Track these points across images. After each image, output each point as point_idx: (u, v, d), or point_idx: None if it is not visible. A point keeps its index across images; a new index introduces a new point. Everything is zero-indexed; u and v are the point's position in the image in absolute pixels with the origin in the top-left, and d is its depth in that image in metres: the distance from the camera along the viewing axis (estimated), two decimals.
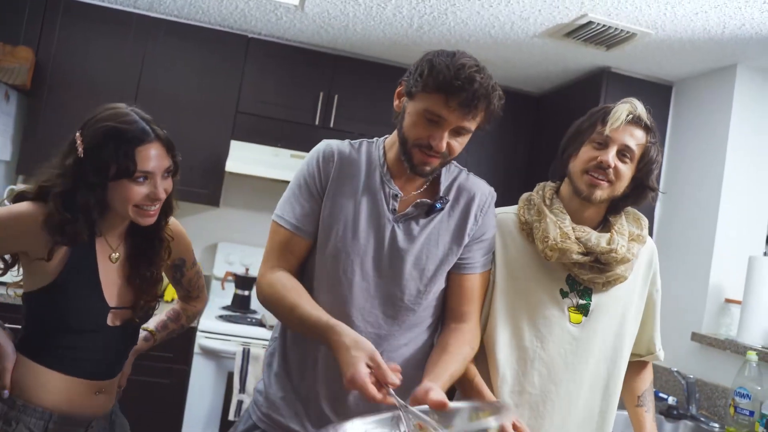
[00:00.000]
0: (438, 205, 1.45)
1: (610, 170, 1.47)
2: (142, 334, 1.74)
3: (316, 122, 3.46)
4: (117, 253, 1.53)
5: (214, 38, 3.40)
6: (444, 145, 1.35)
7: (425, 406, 1.18)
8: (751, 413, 2.15)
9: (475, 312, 1.51)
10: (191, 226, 3.70)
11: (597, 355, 1.55)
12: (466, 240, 1.48)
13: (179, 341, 2.95)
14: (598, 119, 1.51)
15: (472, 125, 1.36)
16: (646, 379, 1.75)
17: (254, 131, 3.40)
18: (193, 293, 1.85)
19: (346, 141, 1.52)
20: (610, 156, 1.46)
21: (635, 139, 1.48)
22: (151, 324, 1.79)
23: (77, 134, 1.43)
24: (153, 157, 1.43)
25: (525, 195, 1.65)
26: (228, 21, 3.35)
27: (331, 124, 3.47)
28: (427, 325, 1.51)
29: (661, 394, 2.54)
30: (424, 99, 1.34)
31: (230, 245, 3.68)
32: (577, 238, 1.48)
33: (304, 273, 1.50)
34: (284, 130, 3.45)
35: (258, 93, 3.42)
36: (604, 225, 1.57)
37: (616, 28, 2.68)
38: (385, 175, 1.46)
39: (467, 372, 1.48)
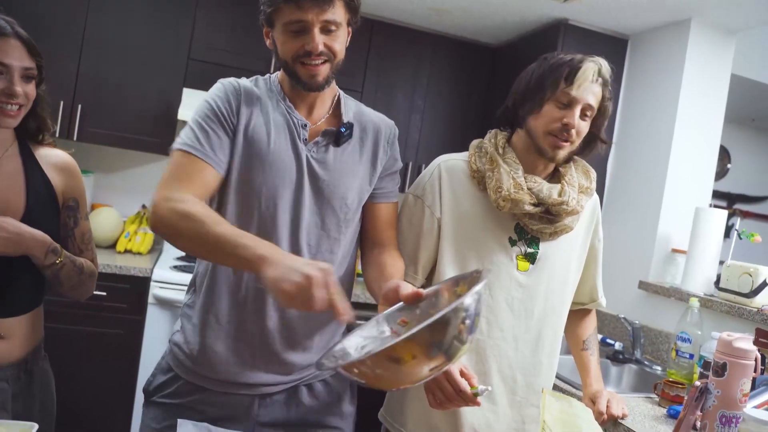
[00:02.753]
0: (343, 130, 1.45)
1: (573, 131, 1.47)
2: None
3: (271, 70, 3.37)
4: None
5: None
6: (319, 44, 1.34)
7: (400, 304, 1.18)
8: (691, 356, 2.25)
9: (393, 239, 1.55)
10: (143, 175, 3.65)
11: (543, 303, 1.59)
12: (379, 170, 1.52)
13: (132, 291, 2.93)
14: (561, 77, 1.47)
15: (336, 17, 1.35)
16: (590, 325, 1.81)
17: (207, 79, 3.22)
18: (87, 255, 1.63)
19: (243, 78, 1.49)
20: (576, 118, 1.46)
21: (596, 96, 1.49)
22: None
23: None
24: (10, 51, 1.39)
25: (476, 141, 1.64)
26: None
27: None
28: (349, 258, 1.53)
29: (608, 340, 2.63)
30: (279, 17, 1.35)
31: None
32: (529, 189, 1.50)
33: None
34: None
35: (211, 40, 3.32)
36: (553, 175, 1.59)
37: None
38: (289, 107, 1.44)
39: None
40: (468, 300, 0.97)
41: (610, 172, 3.26)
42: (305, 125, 1.43)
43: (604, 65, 1.49)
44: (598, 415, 1.64)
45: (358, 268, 1.57)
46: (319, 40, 1.34)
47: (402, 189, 3.52)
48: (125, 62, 3.20)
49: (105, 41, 3.17)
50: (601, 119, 1.53)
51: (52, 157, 1.57)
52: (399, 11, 3.48)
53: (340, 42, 1.38)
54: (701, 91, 2.95)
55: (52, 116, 1.59)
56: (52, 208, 1.53)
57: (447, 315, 0.94)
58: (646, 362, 2.58)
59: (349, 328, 1.43)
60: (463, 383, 1.24)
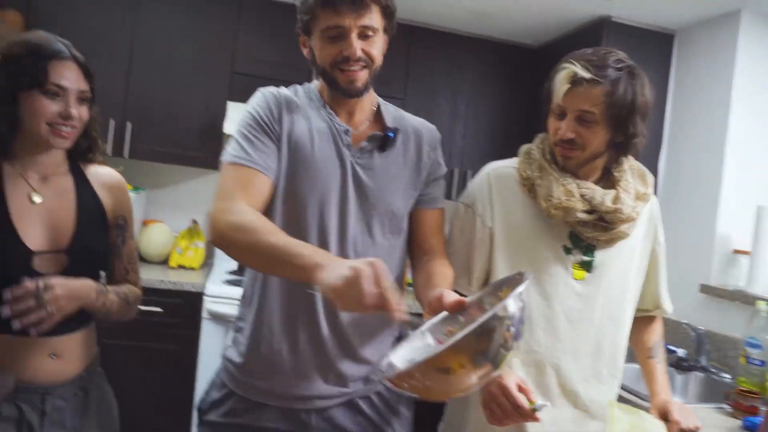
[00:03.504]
0: (391, 134, 1.45)
1: (575, 140, 1.42)
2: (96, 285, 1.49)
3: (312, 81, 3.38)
4: (39, 196, 1.46)
5: None
6: (357, 50, 1.34)
7: (444, 313, 1.16)
8: (762, 363, 2.17)
9: (441, 245, 1.52)
10: (190, 189, 3.69)
11: (601, 312, 1.55)
12: (424, 175, 1.51)
13: (186, 307, 2.96)
14: (550, 89, 1.45)
15: (373, 22, 1.35)
16: (656, 331, 1.75)
17: (251, 91, 3.25)
18: (131, 277, 1.65)
19: (282, 87, 1.50)
20: (568, 127, 1.42)
21: (590, 99, 1.39)
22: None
23: None
24: (67, 73, 1.42)
25: (524, 147, 1.60)
26: None
27: None
28: (397, 267, 1.51)
29: (670, 347, 2.56)
30: (317, 23, 1.36)
31: None
32: (581, 196, 1.46)
33: None
34: None
35: (253, 53, 3.34)
36: (607, 178, 1.54)
37: None
38: (330, 113, 1.45)
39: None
40: (510, 303, 0.95)
41: (663, 171, 3.18)
42: (347, 131, 1.43)
43: (578, 65, 1.40)
44: (671, 428, 1.59)
45: (409, 278, 1.56)
46: (357, 45, 1.34)
47: (448, 196, 3.49)
48: (171, 78, 3.25)
49: (151, 56, 3.23)
50: (619, 115, 1.40)
51: (101, 175, 1.60)
52: (436, 16, 3.45)
53: (378, 48, 1.39)
54: (756, 83, 2.85)
55: (103, 135, 1.63)
56: (101, 227, 1.55)
57: (488, 320, 0.92)
58: (712, 370, 2.50)
59: (400, 338, 1.42)
60: (521, 398, 1.22)
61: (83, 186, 1.54)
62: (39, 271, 1.40)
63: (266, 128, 1.39)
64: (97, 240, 1.53)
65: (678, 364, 2.49)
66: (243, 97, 3.27)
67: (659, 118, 3.20)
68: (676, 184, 3.09)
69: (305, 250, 1.14)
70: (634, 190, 1.52)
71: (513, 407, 1.22)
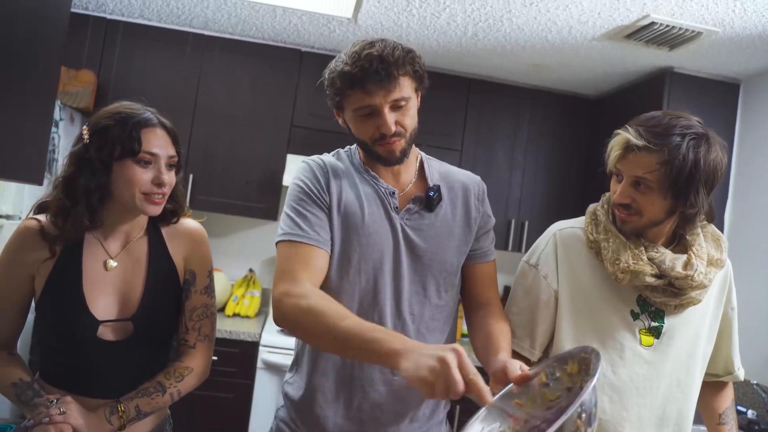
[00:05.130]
0: (432, 194, 1.44)
1: (631, 205, 1.39)
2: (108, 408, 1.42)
3: None
4: (115, 262, 1.47)
5: (268, 53, 3.43)
6: (392, 126, 1.34)
7: (510, 386, 1.14)
8: None
9: (496, 297, 1.51)
10: (250, 240, 3.77)
11: (669, 379, 1.48)
12: (474, 229, 1.49)
13: (241, 356, 2.98)
14: (609, 150, 1.44)
15: (403, 93, 1.35)
16: (727, 397, 1.66)
17: (309, 144, 3.41)
18: (191, 338, 1.56)
19: (324, 154, 1.52)
20: (623, 191, 1.40)
21: (642, 166, 1.35)
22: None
23: (84, 126, 1.44)
24: (158, 140, 1.43)
25: (591, 207, 1.56)
26: (281, 36, 3.37)
27: None
28: (451, 321, 1.51)
29: (740, 407, 2.42)
30: (348, 103, 1.37)
31: None
32: (650, 259, 1.40)
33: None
34: (339, 143, 3.41)
35: (312, 106, 3.43)
36: (679, 242, 1.48)
37: (680, 28, 2.58)
38: (374, 177, 1.45)
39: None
40: (586, 397, 0.93)
41: (729, 225, 3.07)
42: (393, 193, 1.44)
43: (632, 131, 1.36)
44: None
45: (463, 329, 1.54)
46: (391, 120, 1.35)
47: (504, 246, 3.45)
48: (233, 130, 3.37)
49: (214, 109, 3.36)
50: (677, 183, 1.33)
51: (181, 227, 1.59)
52: (498, 69, 3.48)
53: (411, 115, 1.39)
54: None
55: (184, 196, 1.63)
56: (171, 291, 1.54)
57: (567, 421, 0.90)
58: None
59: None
60: None
61: (158, 249, 1.54)
62: (103, 339, 1.41)
63: (316, 199, 1.40)
64: (164, 305, 1.52)
65: (748, 427, 2.35)
66: (301, 150, 3.41)
67: (726, 171, 3.10)
68: (745, 239, 2.97)
69: (380, 334, 1.12)
70: (707, 256, 1.45)
71: None
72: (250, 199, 3.37)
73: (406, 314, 1.41)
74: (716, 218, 1.41)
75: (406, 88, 1.36)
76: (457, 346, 1.04)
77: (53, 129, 2.88)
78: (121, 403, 1.41)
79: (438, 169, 1.53)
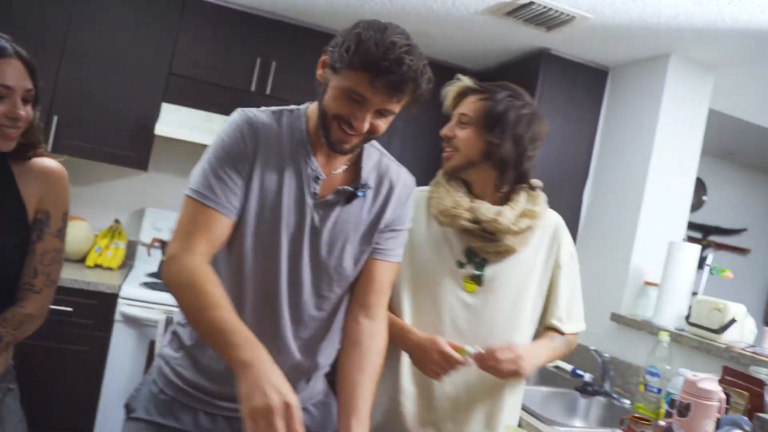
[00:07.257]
0: (360, 194, 1.39)
1: (453, 140, 1.61)
2: None
3: (252, 88, 3.37)
4: None
5: None
6: (366, 125, 1.28)
7: None
8: (659, 391, 2.23)
9: (382, 305, 1.47)
10: (118, 190, 3.61)
11: (492, 324, 1.60)
12: (381, 227, 1.44)
13: (99, 308, 2.87)
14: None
15: (396, 108, 1.29)
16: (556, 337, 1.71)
17: (187, 95, 3.29)
18: (38, 282, 1.49)
19: (266, 110, 1.40)
20: (447, 127, 1.64)
21: (468, 105, 1.61)
22: None
23: None
24: (13, 72, 1.35)
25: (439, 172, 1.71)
26: None
27: (268, 91, 3.38)
28: (342, 314, 1.49)
29: (578, 371, 2.61)
30: (348, 76, 1.25)
31: (158, 211, 3.58)
32: (470, 210, 1.56)
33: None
34: (218, 95, 3.34)
35: (193, 55, 3.29)
36: (504, 202, 1.62)
37: (556, 10, 2.69)
38: (309, 152, 1.37)
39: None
40: None
41: (587, 203, 3.27)
42: (318, 178, 1.37)
43: (465, 79, 1.70)
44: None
45: None
46: (368, 122, 1.28)
47: None
48: (105, 74, 3.16)
49: (86, 51, 3.14)
50: (494, 122, 1.56)
51: (35, 165, 1.50)
52: None
53: (386, 124, 1.33)
54: (678, 125, 2.98)
55: (42, 131, 1.53)
56: (17, 229, 1.46)
57: None
58: (614, 395, 2.56)
59: None
60: (456, 355, 1.46)
61: (6, 186, 1.44)
62: None
63: (237, 164, 1.32)
64: (8, 245, 1.44)
65: (583, 388, 2.54)
66: (178, 100, 3.27)
67: (587, 151, 3.29)
68: (598, 216, 3.18)
69: (239, 339, 1.13)
70: (522, 208, 1.60)
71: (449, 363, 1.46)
72: (120, 147, 3.21)
73: (304, 300, 1.40)
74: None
75: (403, 102, 1.29)
76: (294, 398, 1.06)
77: None
78: None
79: (376, 162, 1.46)
